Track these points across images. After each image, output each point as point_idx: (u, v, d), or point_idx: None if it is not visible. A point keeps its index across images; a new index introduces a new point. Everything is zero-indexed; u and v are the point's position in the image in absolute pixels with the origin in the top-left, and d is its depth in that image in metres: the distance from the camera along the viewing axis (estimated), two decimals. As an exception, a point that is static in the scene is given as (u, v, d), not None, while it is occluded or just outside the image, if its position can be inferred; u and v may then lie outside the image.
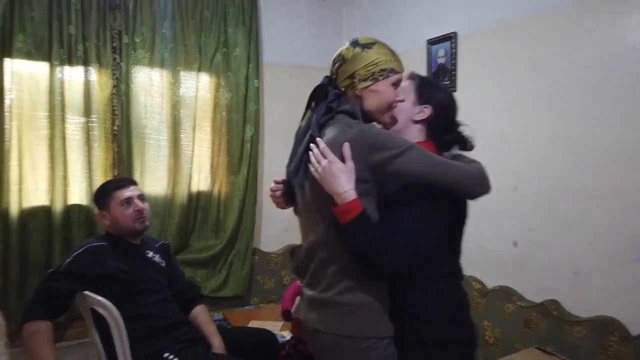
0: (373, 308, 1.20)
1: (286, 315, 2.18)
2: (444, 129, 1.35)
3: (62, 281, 1.69)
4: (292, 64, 3.58)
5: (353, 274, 1.19)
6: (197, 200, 3.31)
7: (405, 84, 1.36)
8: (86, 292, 1.71)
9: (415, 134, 1.33)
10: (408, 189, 1.19)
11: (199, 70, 3.22)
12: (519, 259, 2.40)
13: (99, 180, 2.96)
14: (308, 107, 1.32)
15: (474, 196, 1.23)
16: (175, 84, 3.16)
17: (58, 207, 2.87)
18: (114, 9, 2.95)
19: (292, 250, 2.26)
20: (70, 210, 2.92)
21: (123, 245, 1.90)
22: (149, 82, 3.11)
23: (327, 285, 1.20)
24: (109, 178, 2.99)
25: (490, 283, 2.52)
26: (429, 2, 2.93)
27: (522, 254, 2.39)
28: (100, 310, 1.66)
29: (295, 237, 3.63)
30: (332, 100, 1.25)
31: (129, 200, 1.89)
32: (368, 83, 1.24)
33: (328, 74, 1.32)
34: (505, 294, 2.44)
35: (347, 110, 1.24)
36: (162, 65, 3.11)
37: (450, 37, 2.75)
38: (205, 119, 3.32)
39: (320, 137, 1.20)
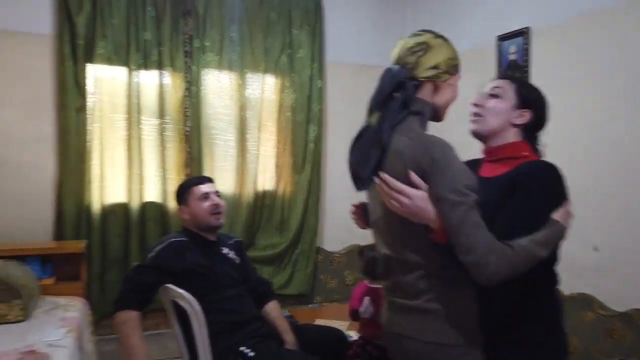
0: (463, 316, 1.17)
1: (354, 315, 2.19)
2: (536, 131, 1.34)
3: (147, 274, 1.79)
4: (355, 63, 3.58)
5: (441, 282, 1.17)
6: (262, 199, 3.38)
7: (502, 83, 1.33)
8: (169, 285, 1.79)
9: (511, 136, 1.32)
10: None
11: (265, 71, 3.29)
12: (600, 265, 2.26)
13: (172, 179, 3.11)
14: (380, 101, 1.20)
15: (475, 279, 1.10)
16: (242, 85, 3.25)
17: (135, 204, 3.04)
18: (185, 15, 3.07)
19: (361, 250, 2.26)
20: (146, 208, 3.07)
21: (200, 241, 1.98)
22: (217, 85, 3.21)
23: (414, 293, 1.18)
24: (182, 177, 3.13)
25: (568, 289, 2.40)
26: (500, -4, 2.83)
27: (603, 260, 2.25)
28: (182, 303, 1.74)
29: (358, 237, 3.65)
30: (409, 93, 1.19)
31: (206, 195, 1.98)
32: (448, 76, 1.21)
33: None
34: (585, 301, 2.31)
35: (417, 112, 1.20)
36: (230, 67, 3.21)
37: (523, 33, 2.64)
38: (270, 120, 3.39)
39: (389, 143, 1.15)
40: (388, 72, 1.21)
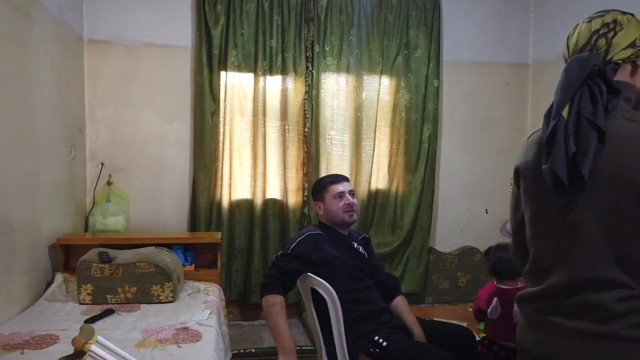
0: None
1: (480, 316, 2.18)
2: None
3: (290, 262, 1.93)
4: (472, 61, 3.52)
5: None
6: (375, 198, 3.46)
7: None
8: (309, 274, 1.93)
9: None
10: None
11: (381, 73, 3.37)
12: None
13: (292, 177, 3.30)
14: (571, 92, 1.04)
15: None
16: (358, 87, 3.35)
17: (258, 200, 3.27)
18: (308, 22, 3.24)
19: (488, 250, 2.23)
20: (268, 204, 3.29)
21: (334, 235, 2.10)
22: (335, 87, 3.36)
23: (608, 316, 1.01)
24: (300, 176, 3.32)
25: None
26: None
27: None
28: (321, 291, 1.86)
29: (471, 239, 3.60)
30: (612, 78, 1.04)
31: (341, 194, 2.09)
32: None
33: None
34: None
35: (628, 98, 1.06)
36: (347, 70, 3.33)
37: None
38: (384, 120, 3.45)
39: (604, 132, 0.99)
40: (576, 61, 1.06)
